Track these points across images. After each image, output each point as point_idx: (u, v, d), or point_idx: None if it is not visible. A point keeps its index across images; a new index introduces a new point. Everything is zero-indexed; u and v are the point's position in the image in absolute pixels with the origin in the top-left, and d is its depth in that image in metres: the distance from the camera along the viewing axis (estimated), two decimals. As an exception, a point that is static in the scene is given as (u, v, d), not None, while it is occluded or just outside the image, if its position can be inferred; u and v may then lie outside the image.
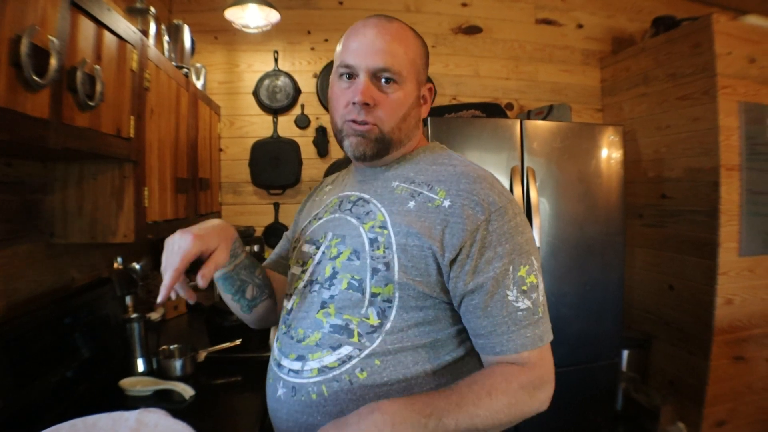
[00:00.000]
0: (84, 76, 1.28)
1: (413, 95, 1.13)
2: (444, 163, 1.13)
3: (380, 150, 1.12)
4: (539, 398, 1.00)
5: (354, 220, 1.11)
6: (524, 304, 0.99)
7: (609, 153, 2.84)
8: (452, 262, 1.00)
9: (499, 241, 0.99)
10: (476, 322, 1.02)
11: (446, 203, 1.02)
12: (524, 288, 1.00)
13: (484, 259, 0.99)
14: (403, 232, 1.02)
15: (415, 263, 1.01)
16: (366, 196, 1.15)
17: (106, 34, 1.47)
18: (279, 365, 1.14)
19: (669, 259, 3.19)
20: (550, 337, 1.03)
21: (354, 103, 1.07)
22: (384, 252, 1.02)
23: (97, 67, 1.37)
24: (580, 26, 3.81)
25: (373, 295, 1.02)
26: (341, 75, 1.12)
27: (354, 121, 1.09)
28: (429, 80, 1.24)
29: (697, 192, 2.97)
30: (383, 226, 1.05)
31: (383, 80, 1.08)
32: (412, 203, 1.06)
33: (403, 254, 1.01)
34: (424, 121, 2.66)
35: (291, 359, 1.10)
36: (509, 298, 0.99)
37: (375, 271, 1.02)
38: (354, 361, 1.02)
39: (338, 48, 1.15)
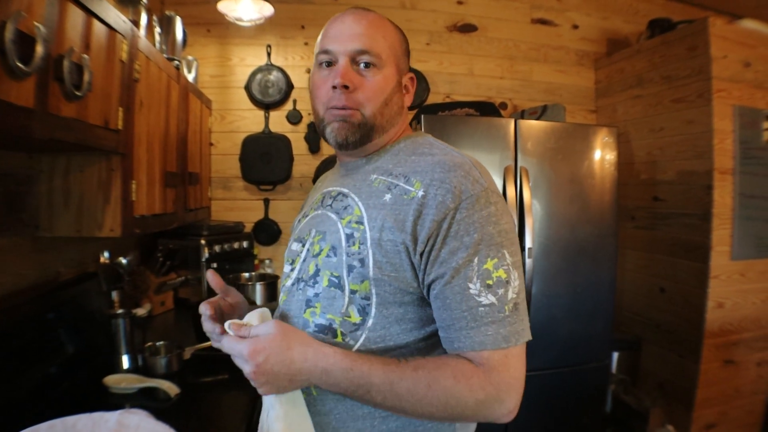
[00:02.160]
0: (71, 65, 1.24)
1: (393, 80, 1.12)
2: (424, 153, 1.10)
3: (363, 136, 1.11)
4: (492, 408, 0.93)
5: (333, 216, 1.11)
6: (487, 299, 0.93)
7: (602, 154, 2.83)
8: (422, 254, 0.97)
9: (466, 230, 0.95)
10: (438, 314, 0.99)
11: (420, 194, 0.99)
12: (489, 282, 0.94)
13: (447, 249, 0.95)
14: (377, 227, 1.00)
15: (389, 258, 0.99)
16: (345, 191, 1.14)
17: (96, 23, 1.44)
18: None
19: (660, 261, 3.19)
20: (520, 339, 0.95)
21: (334, 87, 1.07)
22: (359, 248, 1.01)
23: (85, 56, 1.34)
24: (575, 27, 3.80)
25: (352, 292, 1.01)
26: (321, 63, 1.12)
27: (335, 107, 1.09)
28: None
29: (690, 195, 2.96)
30: (359, 221, 1.04)
31: (363, 64, 1.08)
32: (388, 196, 1.04)
33: (377, 250, 0.99)
34: (417, 118, 2.64)
35: None
36: (471, 291, 0.94)
37: (351, 267, 1.01)
38: None
39: (318, 39, 1.16)
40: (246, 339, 0.94)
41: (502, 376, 0.93)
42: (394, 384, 0.91)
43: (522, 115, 3.43)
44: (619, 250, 3.21)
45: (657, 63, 3.21)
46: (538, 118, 3.23)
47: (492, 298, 0.94)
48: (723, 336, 2.89)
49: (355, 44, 1.07)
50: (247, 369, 0.92)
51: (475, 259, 0.94)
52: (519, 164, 2.69)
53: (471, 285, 0.94)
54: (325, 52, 1.10)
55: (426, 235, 0.96)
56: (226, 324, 0.98)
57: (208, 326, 1.05)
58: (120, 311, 1.94)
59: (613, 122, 3.58)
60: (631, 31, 3.83)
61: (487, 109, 3.23)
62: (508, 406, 0.94)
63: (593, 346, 2.88)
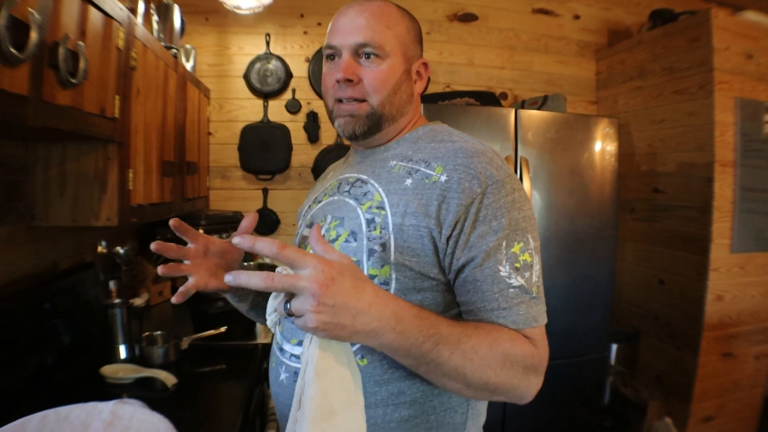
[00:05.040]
0: (66, 52, 1.23)
1: (400, 69, 1.12)
2: (443, 140, 1.11)
3: (371, 127, 1.12)
4: (530, 380, 0.95)
5: (352, 201, 1.09)
6: (517, 281, 0.95)
7: (603, 145, 2.82)
8: (449, 238, 0.97)
9: (494, 215, 0.97)
10: (467, 297, 0.98)
11: (443, 178, 1.00)
12: (517, 265, 0.96)
13: (477, 233, 0.96)
14: (400, 212, 1.00)
15: (410, 243, 0.98)
16: (364, 177, 1.13)
17: (92, 9, 1.42)
18: (281, 349, 1.14)
19: (660, 253, 3.18)
20: (544, 320, 0.99)
21: (338, 81, 1.09)
22: (380, 233, 1.00)
23: (81, 43, 1.32)
24: (576, 17, 3.77)
25: (371, 276, 1.00)
26: (327, 57, 1.15)
27: (341, 101, 1.11)
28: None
29: (691, 187, 2.95)
30: (380, 207, 1.03)
31: (365, 56, 1.09)
32: (409, 181, 1.04)
33: (399, 235, 0.99)
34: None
35: (293, 344, 1.10)
36: (501, 273, 0.95)
37: (371, 252, 1.00)
38: (354, 348, 0.99)
39: (327, 32, 1.17)
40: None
41: (540, 350, 0.97)
42: (461, 338, 0.88)
43: (522, 105, 3.42)
44: (619, 242, 3.20)
45: (658, 54, 3.19)
46: (538, 109, 3.21)
47: (521, 281, 0.96)
48: (722, 329, 2.89)
49: (356, 37, 1.07)
50: (315, 287, 0.75)
51: (504, 243, 0.96)
52: (519, 154, 2.67)
53: (501, 268, 0.95)
54: (330, 46, 1.12)
55: (453, 219, 0.97)
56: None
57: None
58: (117, 301, 1.93)
59: (613, 113, 3.56)
60: (632, 21, 3.80)
61: (488, 99, 3.21)
62: (540, 380, 0.97)
63: (592, 337, 2.88)
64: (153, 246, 1.03)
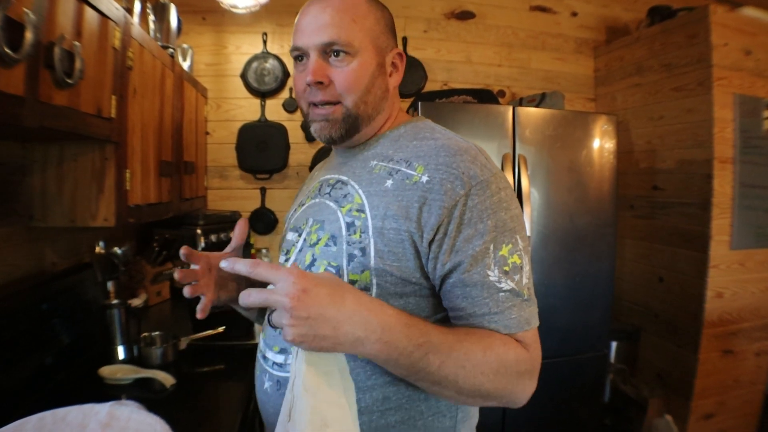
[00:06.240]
0: (62, 53, 1.22)
1: (372, 64, 1.06)
2: (425, 137, 1.06)
3: (349, 129, 1.07)
4: (524, 384, 0.94)
5: (332, 204, 1.06)
6: (507, 285, 0.92)
7: (602, 142, 2.81)
8: (431, 242, 0.94)
9: (480, 217, 0.93)
10: (455, 303, 0.95)
11: (424, 179, 0.96)
12: (506, 269, 0.93)
13: (462, 237, 0.92)
14: (380, 215, 0.97)
15: (391, 248, 0.95)
16: (344, 178, 1.10)
17: (88, 9, 1.41)
18: (264, 357, 1.12)
19: (659, 251, 3.18)
20: (536, 322, 0.96)
21: (309, 84, 1.03)
22: (360, 237, 0.97)
23: (77, 43, 1.31)
24: (574, 14, 3.76)
25: (351, 282, 0.97)
26: (295, 59, 1.09)
27: (315, 105, 1.06)
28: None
29: (690, 184, 2.95)
30: (360, 209, 1.00)
31: (333, 54, 1.03)
32: (389, 182, 1.00)
33: (379, 239, 0.96)
34: (414, 106, 2.61)
35: (275, 352, 1.08)
36: (491, 278, 0.92)
37: (351, 257, 0.97)
38: None
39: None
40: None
41: (535, 353, 0.95)
42: (453, 346, 0.87)
43: (520, 102, 3.41)
44: (618, 240, 3.20)
45: (657, 51, 3.19)
46: (536, 106, 3.20)
47: (511, 284, 0.93)
48: (722, 326, 2.89)
49: (321, 37, 1.01)
50: (286, 300, 0.76)
51: (491, 246, 0.93)
52: (517, 152, 2.67)
53: (490, 272, 0.92)
54: (296, 48, 1.06)
55: (435, 223, 0.93)
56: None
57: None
58: (115, 301, 1.93)
59: (612, 111, 3.56)
60: (630, 18, 3.80)
61: (485, 97, 3.20)
62: (534, 384, 0.96)
63: (592, 335, 2.88)
64: (177, 275, 1.02)
